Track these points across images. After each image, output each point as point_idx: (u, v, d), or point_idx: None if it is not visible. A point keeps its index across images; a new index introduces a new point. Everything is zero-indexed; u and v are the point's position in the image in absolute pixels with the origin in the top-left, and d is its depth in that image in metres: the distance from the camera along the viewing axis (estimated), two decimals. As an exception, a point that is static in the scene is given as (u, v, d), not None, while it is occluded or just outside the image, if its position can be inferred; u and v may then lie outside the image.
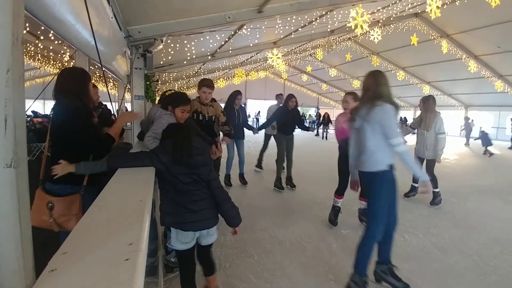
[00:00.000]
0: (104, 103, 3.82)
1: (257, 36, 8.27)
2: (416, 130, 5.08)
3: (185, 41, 6.37)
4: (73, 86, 1.96)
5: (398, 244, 3.35)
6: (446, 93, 20.02)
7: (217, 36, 7.00)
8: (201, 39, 6.65)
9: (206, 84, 3.59)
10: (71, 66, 8.51)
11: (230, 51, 9.09)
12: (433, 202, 4.79)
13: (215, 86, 3.82)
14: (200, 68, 12.04)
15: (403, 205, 4.75)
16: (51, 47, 7.85)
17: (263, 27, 7.33)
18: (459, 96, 20.40)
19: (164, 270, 2.51)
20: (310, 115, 28.27)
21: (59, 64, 11.07)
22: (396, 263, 2.90)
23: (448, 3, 10.20)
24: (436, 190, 4.76)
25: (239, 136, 5.45)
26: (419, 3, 10.03)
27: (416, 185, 4.95)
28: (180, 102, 2.56)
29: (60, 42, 6.26)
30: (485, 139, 12.39)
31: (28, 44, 8.55)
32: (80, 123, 1.89)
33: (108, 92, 3.40)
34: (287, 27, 8.17)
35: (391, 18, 11.51)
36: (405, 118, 22.12)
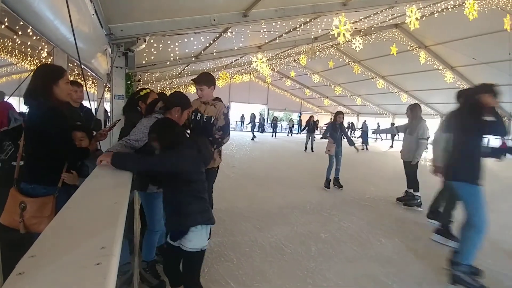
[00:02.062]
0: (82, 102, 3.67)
1: (242, 39, 8.31)
2: (401, 134, 5.42)
3: (169, 42, 6.32)
4: (37, 85, 1.87)
5: (375, 248, 3.43)
6: (423, 102, 20.74)
7: (201, 38, 6.98)
8: (185, 40, 6.61)
9: (196, 80, 3.04)
10: (48, 62, 8.24)
11: (215, 54, 9.08)
12: (407, 203, 5.09)
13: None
14: (184, 69, 11.94)
15: (380, 209, 4.88)
16: (29, 43, 7.56)
17: (248, 31, 7.37)
18: (435, 105, 21.22)
19: (139, 280, 2.45)
20: (292, 119, 28.25)
21: (37, 61, 10.69)
22: (373, 267, 2.97)
23: (427, 15, 10.64)
24: (417, 194, 5.06)
25: None
26: (399, 14, 10.41)
27: (410, 191, 5.18)
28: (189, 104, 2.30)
29: (38, 38, 6.05)
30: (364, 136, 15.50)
31: (5, 39, 8.22)
32: (50, 126, 1.82)
33: (87, 90, 3.31)
34: (271, 32, 8.26)
35: (372, 28, 11.88)
36: (378, 124, 22.24)
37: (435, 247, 3.53)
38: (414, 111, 5.08)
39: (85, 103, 3.66)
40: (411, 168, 5.10)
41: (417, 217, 4.64)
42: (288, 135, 24.75)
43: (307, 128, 14.42)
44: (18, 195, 1.84)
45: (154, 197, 2.39)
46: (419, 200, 5.03)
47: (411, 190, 5.18)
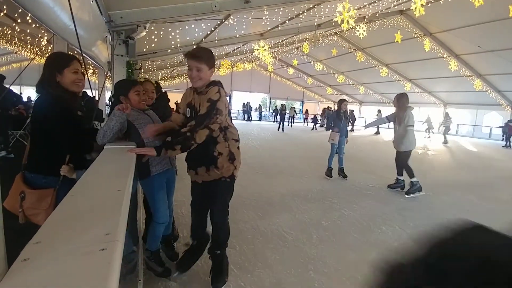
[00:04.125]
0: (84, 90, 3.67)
1: (244, 27, 8.21)
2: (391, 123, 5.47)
3: (170, 29, 6.24)
4: (45, 75, 1.87)
5: (375, 235, 3.46)
6: (427, 90, 20.59)
7: (202, 25, 6.89)
8: (186, 27, 6.53)
9: (194, 55, 2.07)
10: (48, 50, 8.18)
11: (216, 41, 8.98)
12: (409, 191, 5.12)
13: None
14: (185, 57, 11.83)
15: (381, 197, 4.91)
16: (28, 31, 7.50)
17: (250, 18, 7.26)
18: (439, 94, 21.03)
19: (144, 267, 2.49)
20: (294, 109, 26.98)
21: (36, 49, 10.63)
22: (373, 254, 3.00)
23: (432, 1, 10.42)
24: (414, 180, 5.10)
25: None
26: (404, 0, 10.19)
27: (401, 178, 5.27)
28: (129, 86, 2.28)
29: (37, 25, 6.00)
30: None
31: (4, 28, 8.15)
32: (53, 116, 1.81)
33: (88, 79, 3.30)
34: (274, 19, 8.15)
35: (377, 15, 11.67)
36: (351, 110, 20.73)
37: (436, 235, 3.56)
38: (400, 100, 5.12)
39: (88, 92, 3.65)
40: (403, 156, 5.19)
41: (417, 205, 4.67)
42: (288, 125, 21.61)
43: (327, 120, 10.52)
44: (21, 183, 1.85)
45: (156, 187, 2.32)
46: (418, 185, 5.12)
47: (402, 177, 5.31)
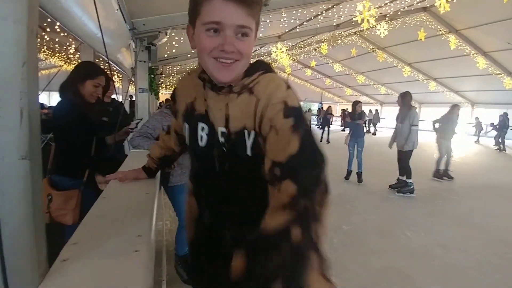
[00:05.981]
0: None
1: (262, 29, 8.22)
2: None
3: (190, 34, 6.35)
4: (67, 81, 1.96)
5: (400, 241, 3.37)
6: (453, 89, 19.81)
7: (221, 29, 6.95)
8: (206, 32, 6.61)
9: None
10: (76, 58, 8.53)
11: (234, 45, 9.03)
12: (400, 190, 5.14)
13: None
14: (204, 61, 11.99)
15: (405, 203, 4.77)
16: (56, 39, 7.85)
17: (267, 21, 7.28)
18: (466, 93, 20.18)
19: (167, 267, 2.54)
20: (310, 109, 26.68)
21: (64, 57, 11.11)
22: (397, 260, 2.93)
23: (457, -3, 10.05)
24: (409, 180, 5.11)
25: None
26: (427, -3, 9.89)
27: (402, 178, 5.23)
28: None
29: (65, 34, 6.27)
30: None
31: (34, 36, 8.59)
32: (70, 121, 1.88)
33: (114, 85, 3.42)
34: (292, 21, 8.12)
35: (399, 13, 11.37)
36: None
37: (462, 240, 3.42)
38: (405, 99, 5.13)
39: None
40: (404, 156, 5.15)
41: (444, 209, 4.50)
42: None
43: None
44: (47, 186, 1.91)
45: (177, 192, 2.40)
46: (412, 187, 5.09)
47: (404, 177, 5.21)
